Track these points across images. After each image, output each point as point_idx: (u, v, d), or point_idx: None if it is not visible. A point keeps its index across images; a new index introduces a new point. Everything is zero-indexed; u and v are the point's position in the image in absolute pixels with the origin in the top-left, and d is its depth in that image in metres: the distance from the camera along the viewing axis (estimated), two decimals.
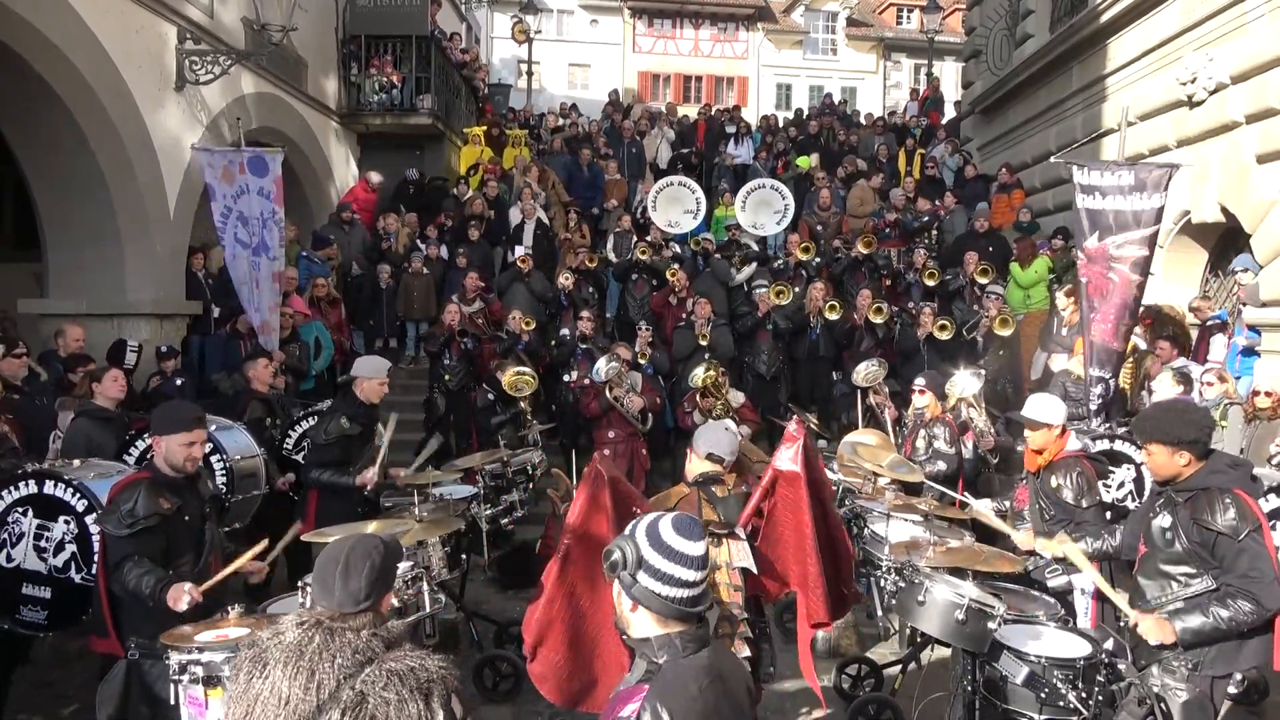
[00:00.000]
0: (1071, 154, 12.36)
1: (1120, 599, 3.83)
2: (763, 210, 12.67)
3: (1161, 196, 6.94)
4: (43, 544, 4.59)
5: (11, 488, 4.67)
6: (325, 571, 2.27)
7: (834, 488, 6.58)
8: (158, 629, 3.64)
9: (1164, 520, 3.70)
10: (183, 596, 3.66)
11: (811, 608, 3.70)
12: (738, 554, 3.61)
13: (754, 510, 3.69)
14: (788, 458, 3.66)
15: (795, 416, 4.05)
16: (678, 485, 4.05)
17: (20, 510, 4.62)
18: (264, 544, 4.19)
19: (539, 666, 3.68)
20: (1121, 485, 6.08)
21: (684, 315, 10.02)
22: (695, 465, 3.91)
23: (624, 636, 2.30)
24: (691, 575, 2.18)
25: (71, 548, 4.59)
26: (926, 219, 12.52)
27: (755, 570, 3.65)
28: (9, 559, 4.61)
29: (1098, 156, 11.60)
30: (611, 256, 12.10)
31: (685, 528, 2.25)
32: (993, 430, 7.35)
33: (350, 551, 2.30)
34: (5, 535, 4.63)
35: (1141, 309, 7.80)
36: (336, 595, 2.22)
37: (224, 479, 5.73)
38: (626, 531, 2.31)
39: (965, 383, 7.11)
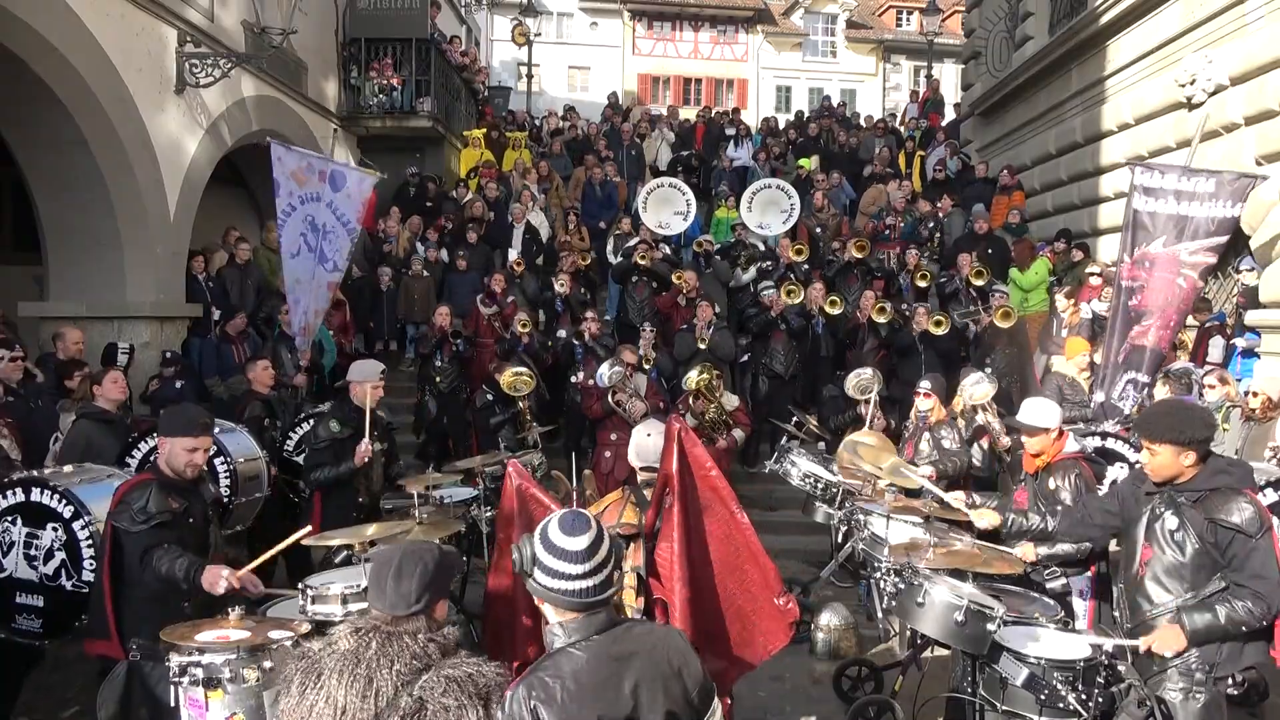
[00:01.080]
0: (1073, 155, 12.38)
1: (1124, 640, 3.78)
2: (769, 210, 12.67)
3: (1241, 206, 6.84)
4: (32, 552, 4.56)
5: (1, 497, 4.63)
6: (378, 574, 2.28)
7: (835, 489, 6.59)
8: (159, 630, 3.62)
9: (1171, 522, 3.67)
10: (220, 580, 3.66)
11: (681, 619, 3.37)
12: (637, 557, 3.53)
13: (654, 515, 3.58)
14: (664, 456, 3.49)
15: (675, 414, 3.92)
16: (613, 491, 4.02)
17: (9, 519, 4.59)
18: (308, 529, 4.19)
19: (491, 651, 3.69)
20: (1114, 483, 6.06)
21: (691, 317, 10.04)
22: (638, 475, 3.86)
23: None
24: (575, 569, 2.28)
25: (60, 555, 4.55)
26: (931, 224, 12.50)
27: (643, 574, 3.52)
28: (1, 569, 4.59)
29: (1097, 159, 11.61)
30: (611, 259, 12.11)
31: (569, 524, 2.35)
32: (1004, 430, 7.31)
33: (403, 555, 2.31)
34: None
35: None
36: (388, 596, 2.23)
37: (228, 481, 5.75)
38: (530, 534, 2.44)
39: (979, 388, 7.03)
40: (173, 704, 3.32)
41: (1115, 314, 7.41)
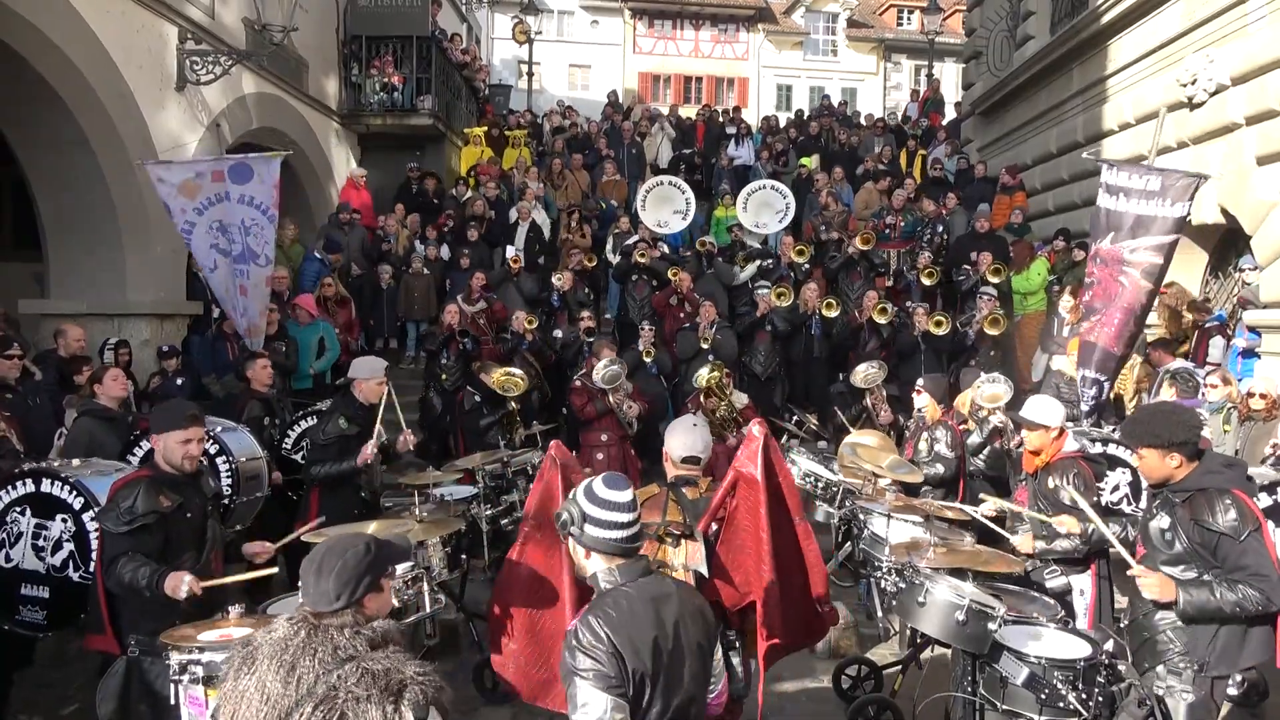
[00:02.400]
0: (1074, 154, 12.38)
1: (1125, 550, 3.91)
2: (764, 210, 12.68)
3: (1185, 205, 6.74)
4: (40, 543, 4.57)
5: (9, 487, 4.64)
6: (304, 570, 2.35)
7: (836, 488, 6.60)
8: (158, 626, 3.65)
9: (1162, 521, 3.71)
10: (181, 585, 3.66)
11: (767, 618, 3.51)
12: (693, 556, 3.50)
13: (713, 513, 3.60)
14: (746, 458, 3.56)
15: (759, 419, 3.95)
16: (648, 485, 4.00)
17: (18, 509, 4.60)
18: (274, 570, 4.17)
19: (500, 657, 3.76)
20: (1116, 489, 6.05)
21: (682, 314, 10.02)
22: (672, 470, 3.83)
23: (585, 580, 2.76)
24: (624, 517, 2.67)
25: (69, 546, 4.56)
26: (938, 226, 12.45)
27: (706, 574, 3.51)
28: (7, 559, 4.59)
29: (1100, 157, 11.60)
30: (611, 258, 12.11)
31: (613, 481, 2.73)
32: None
33: (326, 551, 2.36)
34: (4, 535, 4.61)
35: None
36: (311, 593, 2.29)
37: (229, 480, 5.74)
38: (570, 496, 2.79)
39: (993, 389, 6.93)
40: (173, 702, 3.33)
41: (1080, 312, 7.41)
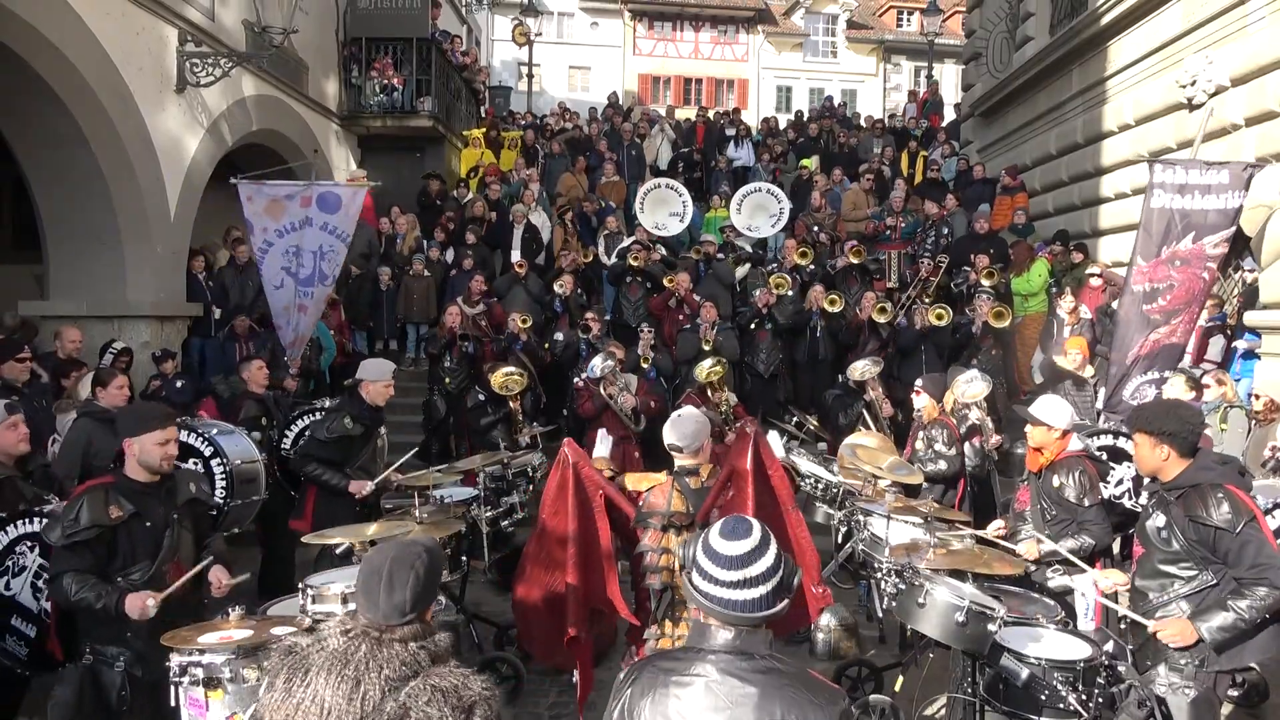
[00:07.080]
0: (1074, 156, 12.38)
1: (1131, 612, 3.85)
2: (759, 214, 12.67)
3: (1244, 194, 6.94)
4: (40, 584, 4.45)
5: (25, 521, 4.50)
6: (368, 584, 2.17)
7: (836, 490, 6.61)
8: (112, 633, 3.66)
9: (1158, 520, 3.72)
10: (148, 607, 3.58)
11: None
12: None
13: (712, 504, 3.83)
14: (738, 454, 3.85)
15: (750, 418, 4.18)
16: (658, 472, 4.19)
17: (28, 544, 4.48)
18: (208, 561, 3.97)
19: (525, 634, 4.10)
20: (1120, 482, 6.05)
21: (681, 316, 10.01)
22: (676, 460, 4.06)
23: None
24: (730, 575, 2.07)
25: None
26: (943, 229, 12.40)
27: None
28: (7, 587, 4.48)
29: (1098, 159, 11.61)
30: (605, 259, 12.10)
31: (728, 529, 2.15)
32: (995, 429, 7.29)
33: (393, 563, 2.19)
34: (9, 564, 4.50)
35: None
36: (381, 608, 2.14)
37: (224, 483, 5.72)
38: (695, 535, 2.28)
39: (972, 386, 7.00)
40: (173, 704, 3.33)
41: (1129, 317, 7.29)
